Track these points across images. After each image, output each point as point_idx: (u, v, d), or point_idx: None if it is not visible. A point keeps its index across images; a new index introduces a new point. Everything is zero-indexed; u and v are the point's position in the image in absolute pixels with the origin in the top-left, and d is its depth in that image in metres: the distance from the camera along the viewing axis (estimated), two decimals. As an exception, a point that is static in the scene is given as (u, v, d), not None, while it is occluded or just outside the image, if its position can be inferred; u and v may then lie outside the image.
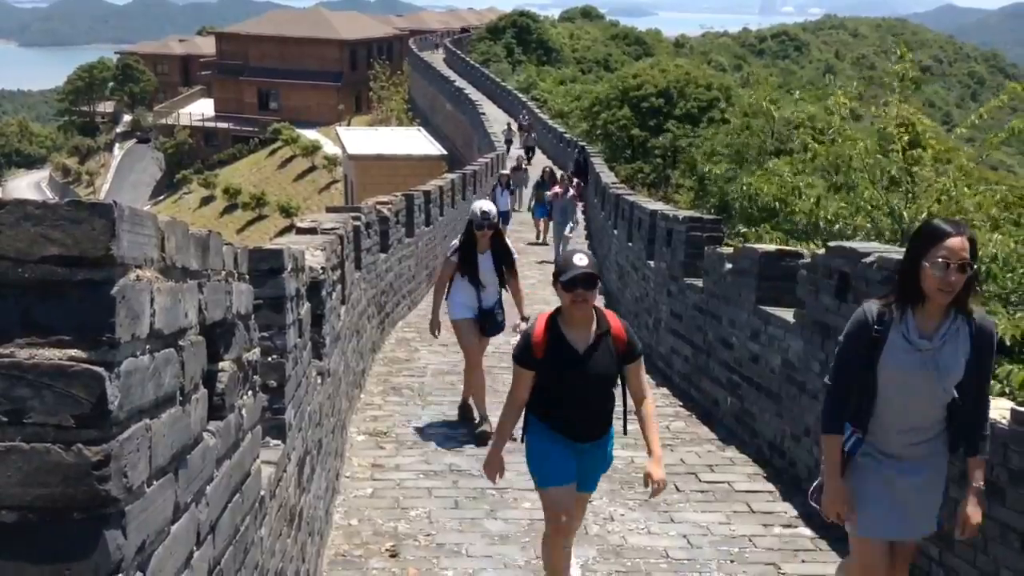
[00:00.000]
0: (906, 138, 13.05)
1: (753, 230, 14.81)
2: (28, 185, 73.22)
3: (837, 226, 12.93)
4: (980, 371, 3.53)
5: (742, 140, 26.18)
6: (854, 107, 14.68)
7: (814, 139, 15.56)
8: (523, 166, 26.66)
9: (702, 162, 26.50)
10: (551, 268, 10.90)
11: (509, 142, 37.49)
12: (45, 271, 1.23)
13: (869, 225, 12.75)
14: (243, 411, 2.40)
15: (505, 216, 18.97)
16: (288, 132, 58.66)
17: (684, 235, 9.47)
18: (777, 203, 14.82)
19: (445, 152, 37.83)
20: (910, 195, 12.85)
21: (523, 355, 4.18)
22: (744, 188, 16.49)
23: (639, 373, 4.30)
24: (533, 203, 21.53)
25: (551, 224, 19.30)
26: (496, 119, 40.89)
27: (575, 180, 22.26)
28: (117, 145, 75.67)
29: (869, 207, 12.92)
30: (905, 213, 12.62)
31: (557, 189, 18.95)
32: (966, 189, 13.15)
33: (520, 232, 21.57)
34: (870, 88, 17.26)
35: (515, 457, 6.85)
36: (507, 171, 23.76)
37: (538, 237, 21.70)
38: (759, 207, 16.39)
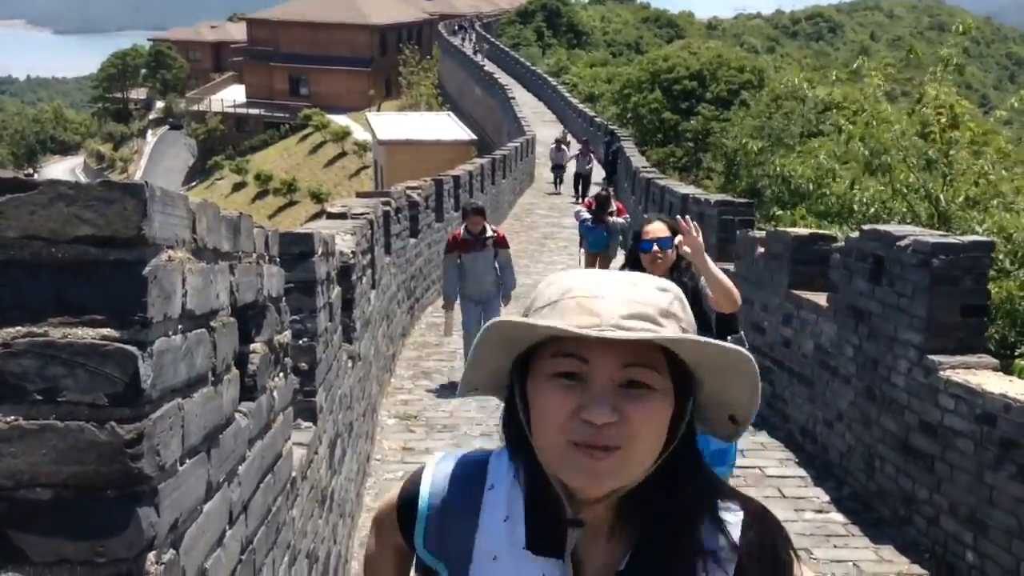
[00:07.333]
0: (944, 120, 12.76)
1: (788, 212, 14.61)
2: (63, 171, 74.08)
3: (872, 209, 12.73)
4: None
5: (772, 123, 25.84)
6: (891, 88, 14.18)
7: (849, 120, 15.21)
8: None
9: (731, 144, 26.14)
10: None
11: (560, 168, 24.12)
12: (78, 251, 1.24)
13: (905, 209, 12.54)
14: (275, 393, 2.41)
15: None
16: (319, 118, 58.83)
17: (715, 219, 9.40)
18: (811, 185, 14.60)
19: (475, 137, 37.75)
20: (947, 178, 12.62)
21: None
22: (778, 169, 16.21)
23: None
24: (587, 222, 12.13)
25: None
26: (525, 102, 40.57)
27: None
28: (150, 131, 76.40)
29: (905, 190, 12.70)
30: (942, 196, 12.39)
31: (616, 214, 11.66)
32: (1004, 172, 12.92)
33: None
34: (905, 70, 16.84)
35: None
36: (468, 229, 8.38)
37: None
38: (791, 190, 16.16)
